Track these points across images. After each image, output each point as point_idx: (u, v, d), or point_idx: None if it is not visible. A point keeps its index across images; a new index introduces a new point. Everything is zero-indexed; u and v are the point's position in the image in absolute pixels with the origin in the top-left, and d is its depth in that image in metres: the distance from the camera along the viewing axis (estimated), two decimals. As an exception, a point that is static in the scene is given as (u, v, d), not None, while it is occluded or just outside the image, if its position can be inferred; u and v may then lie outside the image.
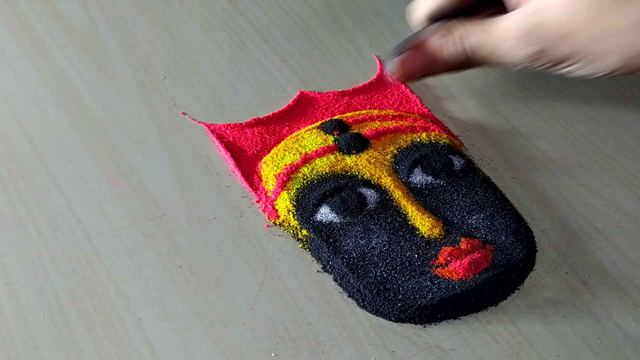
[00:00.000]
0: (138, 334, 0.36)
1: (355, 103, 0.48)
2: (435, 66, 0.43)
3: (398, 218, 0.40)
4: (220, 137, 0.45)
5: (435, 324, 0.37)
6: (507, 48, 0.40)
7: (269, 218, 0.41)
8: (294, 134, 0.45)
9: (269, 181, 0.42)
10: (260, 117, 0.47)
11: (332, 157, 0.43)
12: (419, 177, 0.42)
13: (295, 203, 0.41)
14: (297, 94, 0.49)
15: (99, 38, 0.53)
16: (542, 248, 0.40)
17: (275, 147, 0.44)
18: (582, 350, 0.36)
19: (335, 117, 0.46)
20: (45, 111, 0.47)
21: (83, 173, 0.43)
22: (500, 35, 0.40)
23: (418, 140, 0.44)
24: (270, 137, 0.46)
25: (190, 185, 0.43)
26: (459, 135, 0.47)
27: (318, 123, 0.45)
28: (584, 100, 0.50)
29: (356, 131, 0.44)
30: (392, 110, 0.47)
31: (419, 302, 0.36)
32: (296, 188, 0.41)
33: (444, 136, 0.45)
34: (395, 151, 0.43)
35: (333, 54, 0.53)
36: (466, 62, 0.42)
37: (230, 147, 0.45)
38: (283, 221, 0.41)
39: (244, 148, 0.45)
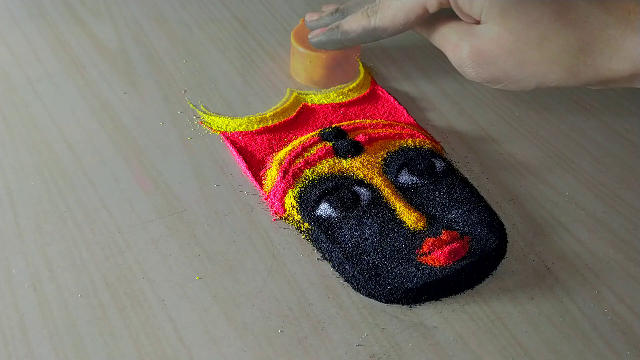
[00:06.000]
0: (162, 313, 0.36)
1: (350, 113, 0.48)
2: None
3: (387, 213, 0.40)
4: (233, 143, 0.45)
5: (420, 305, 0.37)
6: (456, 63, 0.41)
7: (275, 213, 0.41)
8: (298, 140, 0.45)
9: (273, 171, 0.42)
10: (268, 125, 0.47)
11: (330, 160, 0.43)
12: (405, 178, 0.42)
13: (298, 200, 0.40)
14: (300, 105, 0.49)
15: (128, 57, 0.53)
16: (512, 239, 0.40)
17: (282, 150, 0.44)
18: (547, 327, 0.36)
19: (334, 125, 0.46)
20: (82, 120, 0.47)
21: (115, 174, 0.43)
22: (444, 45, 0.41)
23: (405, 145, 0.44)
24: (277, 142, 0.46)
25: (207, 184, 0.43)
26: (440, 141, 0.46)
27: (319, 130, 0.45)
28: (549, 111, 0.50)
29: (351, 138, 0.44)
30: (382, 120, 0.47)
31: (406, 286, 0.36)
32: (299, 187, 0.41)
33: (427, 142, 0.45)
34: (385, 155, 0.43)
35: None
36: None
37: (242, 152, 0.45)
38: (288, 216, 0.41)
39: (254, 152, 0.45)
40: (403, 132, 0.45)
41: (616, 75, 0.37)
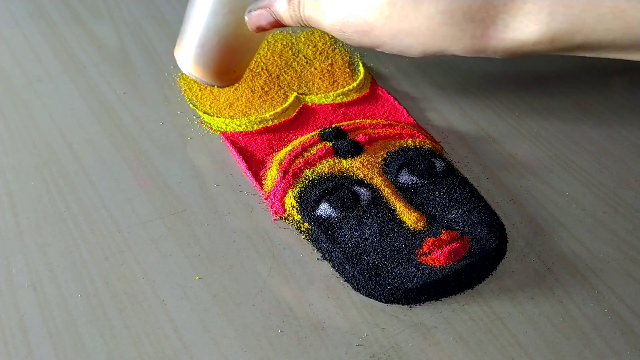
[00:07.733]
0: (162, 314, 0.36)
1: (350, 113, 0.48)
2: (281, 25, 0.41)
3: (387, 213, 0.40)
4: (233, 143, 0.45)
5: (420, 305, 0.37)
6: (327, 27, 0.38)
7: (275, 213, 0.41)
8: (298, 140, 0.45)
9: (273, 171, 0.42)
10: (268, 125, 0.47)
11: (330, 160, 0.43)
12: (405, 178, 0.42)
13: (298, 200, 0.40)
14: (300, 105, 0.48)
15: (128, 57, 0.53)
16: (512, 239, 0.40)
17: (282, 150, 0.44)
18: (547, 327, 0.36)
19: (334, 125, 0.46)
20: (82, 120, 0.47)
21: (115, 174, 0.43)
22: (322, 15, 0.38)
23: (405, 145, 0.44)
24: (277, 142, 0.46)
25: (207, 184, 0.43)
26: (440, 141, 0.46)
27: (319, 130, 0.45)
28: (549, 111, 0.50)
29: (351, 138, 0.44)
30: (382, 120, 0.47)
31: (406, 286, 0.36)
32: (299, 187, 0.41)
33: (427, 142, 0.45)
34: (385, 155, 0.43)
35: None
36: (305, 26, 0.40)
37: (242, 152, 0.45)
38: (288, 216, 0.41)
39: (254, 152, 0.45)
40: (403, 132, 0.45)
41: (519, 44, 0.33)
